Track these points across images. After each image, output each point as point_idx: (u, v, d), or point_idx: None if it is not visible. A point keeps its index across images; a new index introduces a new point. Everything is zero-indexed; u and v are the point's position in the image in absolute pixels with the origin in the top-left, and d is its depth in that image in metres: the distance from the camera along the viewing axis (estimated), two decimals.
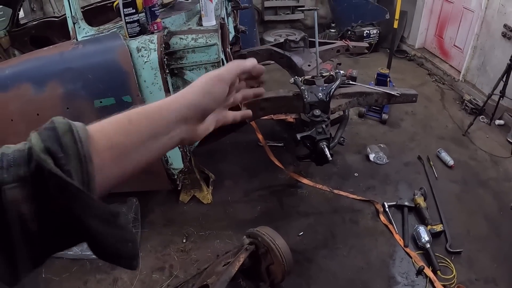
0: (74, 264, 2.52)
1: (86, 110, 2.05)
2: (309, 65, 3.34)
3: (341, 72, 2.64)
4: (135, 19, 1.88)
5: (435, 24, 5.20)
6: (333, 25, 5.94)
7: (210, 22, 1.96)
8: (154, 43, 1.87)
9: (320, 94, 2.39)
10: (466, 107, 4.21)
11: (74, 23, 1.99)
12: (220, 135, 2.71)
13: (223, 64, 2.06)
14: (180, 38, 1.92)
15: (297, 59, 3.44)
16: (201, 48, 1.91)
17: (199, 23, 2.02)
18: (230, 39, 3.27)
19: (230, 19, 3.18)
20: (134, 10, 1.85)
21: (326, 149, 2.33)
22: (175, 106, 0.56)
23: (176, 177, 2.35)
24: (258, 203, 2.99)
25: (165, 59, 1.94)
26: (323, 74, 2.62)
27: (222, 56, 2.11)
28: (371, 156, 3.40)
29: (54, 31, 3.45)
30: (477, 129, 3.86)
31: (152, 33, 1.92)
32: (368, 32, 5.57)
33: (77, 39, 2.02)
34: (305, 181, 3.12)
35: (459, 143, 3.70)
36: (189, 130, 0.58)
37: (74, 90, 2.02)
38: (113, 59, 1.92)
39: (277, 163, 3.14)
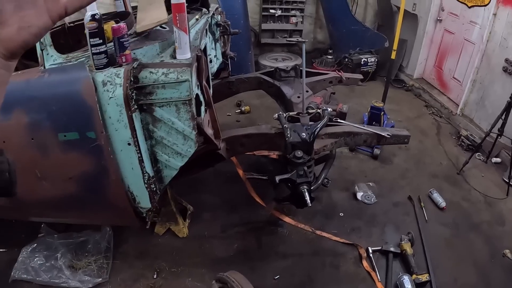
0: None
1: (51, 142, 1.91)
2: (298, 97, 3.22)
3: (329, 109, 2.52)
4: (102, 50, 1.75)
5: (435, 54, 5.11)
6: (330, 51, 5.87)
7: (184, 55, 1.84)
8: (121, 77, 1.75)
9: (303, 134, 2.26)
10: (463, 143, 4.08)
11: (42, 50, 1.88)
12: (196, 170, 2.57)
13: (196, 101, 1.94)
14: (150, 72, 1.80)
15: (286, 90, 3.33)
16: (172, 84, 1.78)
17: (173, 55, 1.90)
18: (217, 65, 3.17)
19: (218, 45, 3.08)
20: (101, 41, 1.73)
21: (306, 194, 2.19)
22: None
23: (145, 215, 2.19)
24: (236, 240, 2.83)
25: (133, 94, 1.81)
26: (309, 111, 2.49)
27: (198, 91, 1.99)
28: (359, 195, 3.25)
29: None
30: (472, 167, 3.72)
31: (121, 65, 1.80)
32: (366, 60, 5.49)
33: (44, 67, 1.90)
34: (286, 219, 2.96)
35: (453, 182, 3.55)
36: None
37: (39, 121, 1.89)
38: (77, 92, 1.79)
39: (257, 199, 2.98)
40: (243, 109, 4.71)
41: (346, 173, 3.61)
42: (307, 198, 2.16)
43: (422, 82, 5.35)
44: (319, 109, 2.53)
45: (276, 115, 2.43)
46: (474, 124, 4.17)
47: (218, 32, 3.02)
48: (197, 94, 2.01)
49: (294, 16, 5.95)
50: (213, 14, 2.93)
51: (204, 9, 2.68)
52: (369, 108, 4.01)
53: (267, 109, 4.58)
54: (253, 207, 3.07)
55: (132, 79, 1.80)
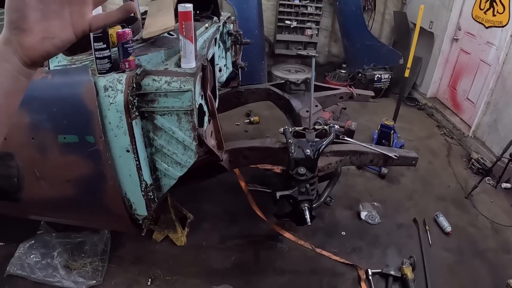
0: (37, 287, 2.41)
1: (50, 144, 1.91)
2: (307, 111, 3.19)
3: (336, 126, 2.47)
4: (105, 55, 1.75)
5: (450, 74, 5.02)
6: (344, 65, 5.82)
7: (189, 64, 1.82)
8: (122, 83, 1.74)
9: (308, 150, 2.22)
10: (473, 166, 3.97)
11: None
12: (197, 180, 2.54)
13: (199, 111, 1.92)
14: (153, 80, 1.79)
15: (295, 103, 3.31)
16: (174, 93, 1.76)
17: (178, 64, 1.89)
18: (227, 75, 3.17)
19: (229, 54, 3.07)
20: (105, 46, 1.73)
21: (307, 212, 2.14)
22: None
23: (141, 222, 2.17)
24: (234, 252, 2.79)
25: (135, 101, 1.80)
26: (316, 127, 2.45)
27: (201, 101, 1.97)
28: (363, 214, 3.17)
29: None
30: (481, 192, 3.61)
31: (124, 71, 1.79)
32: (379, 76, 5.43)
33: (49, 68, 1.91)
34: (287, 234, 2.91)
35: (460, 206, 3.44)
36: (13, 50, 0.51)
37: (40, 121, 1.89)
38: (78, 95, 1.79)
39: (258, 213, 2.94)
40: (252, 119, 4.69)
41: (351, 191, 3.54)
42: (307, 216, 2.11)
43: (435, 101, 5.25)
44: (327, 125, 2.49)
45: (281, 129, 2.39)
46: (486, 147, 4.06)
47: (230, 41, 3.02)
48: (200, 104, 1.99)
49: (310, 28, 5.94)
50: (225, 22, 2.93)
51: (215, 18, 2.68)
52: (379, 126, 3.93)
53: (276, 121, 4.55)
54: (254, 220, 3.02)
55: (134, 86, 1.79)
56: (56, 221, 2.62)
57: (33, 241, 2.59)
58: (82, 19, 0.55)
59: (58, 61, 1.91)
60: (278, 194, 2.15)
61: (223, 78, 3.12)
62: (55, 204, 2.10)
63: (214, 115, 2.14)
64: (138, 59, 1.87)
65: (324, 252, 2.78)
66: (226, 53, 3.04)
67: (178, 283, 2.53)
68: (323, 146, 2.23)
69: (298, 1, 5.74)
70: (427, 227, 3.10)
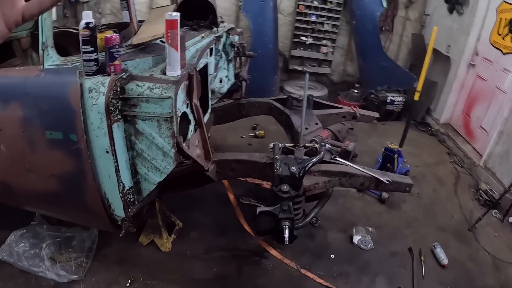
0: (22, 275, 2.47)
1: (38, 138, 1.97)
2: (306, 128, 3.16)
3: (328, 145, 2.42)
4: (92, 57, 1.79)
5: (464, 100, 4.86)
6: (357, 85, 5.74)
7: (173, 72, 1.84)
8: (105, 86, 1.77)
9: (293, 168, 2.17)
10: (480, 198, 3.78)
11: (43, 50, 1.96)
12: (184, 188, 2.54)
13: (185, 119, 1.92)
14: (137, 85, 1.81)
15: (295, 119, 3.28)
16: (155, 99, 1.78)
17: (164, 71, 1.91)
18: (228, 86, 3.18)
19: (231, 65, 3.09)
20: (92, 49, 1.77)
21: (286, 231, 2.09)
22: None
23: (120, 223, 2.18)
24: (217, 264, 2.74)
25: (119, 104, 1.83)
26: (306, 145, 2.40)
27: (186, 109, 1.98)
28: (356, 239, 3.05)
29: (71, 41, 3.54)
30: (486, 225, 3.42)
31: (109, 75, 1.83)
32: (392, 98, 5.32)
33: (43, 66, 1.97)
34: (273, 252, 2.84)
35: (461, 238, 3.26)
36: None
37: (31, 116, 1.96)
38: (65, 95, 1.83)
39: (246, 227, 2.89)
40: (257, 133, 4.67)
41: (348, 213, 3.43)
42: (286, 235, 2.06)
43: (448, 128, 5.08)
44: (320, 143, 2.44)
45: (271, 144, 2.37)
46: (496, 178, 3.86)
47: (232, 53, 3.04)
48: (185, 113, 2.00)
49: (325, 45, 5.93)
50: (228, 34, 2.96)
51: (214, 28, 2.71)
52: (383, 149, 3.83)
53: (282, 136, 4.46)
54: (242, 234, 2.98)
55: (119, 90, 1.82)
56: (44, 213, 2.67)
57: (24, 231, 2.67)
58: (12, 10, 0.52)
59: (52, 61, 1.97)
60: (259, 210, 2.11)
61: (224, 89, 3.14)
62: (41, 197, 2.16)
63: (201, 124, 2.14)
64: (125, 64, 1.90)
65: (309, 274, 2.69)
66: (228, 64, 3.07)
67: None
68: (310, 164, 2.18)
69: (314, 18, 5.75)
70: (422, 258, 2.95)
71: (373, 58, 5.45)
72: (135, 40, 1.99)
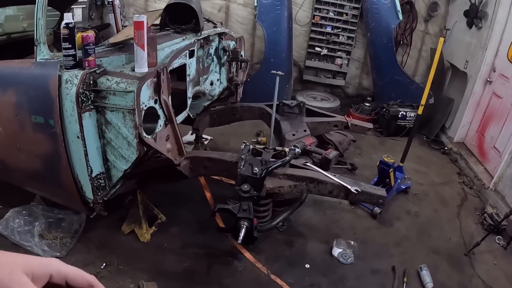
0: (13, 248, 2.65)
1: (26, 122, 2.19)
2: (293, 135, 3.17)
3: (297, 150, 2.42)
4: (70, 53, 1.97)
5: (480, 118, 4.62)
6: (369, 98, 5.64)
7: (140, 69, 1.97)
8: (78, 79, 1.93)
9: (256, 168, 2.20)
10: (484, 221, 3.55)
11: (36, 45, 2.17)
12: (158, 182, 2.64)
13: (153, 114, 2.02)
14: (107, 79, 1.96)
15: (284, 125, 3.30)
16: (121, 92, 1.92)
17: (134, 68, 2.05)
18: (220, 89, 3.27)
19: (223, 69, 3.19)
20: (70, 46, 1.95)
21: (243, 230, 2.11)
22: None
23: (92, 205, 2.32)
24: (189, 259, 2.79)
25: (91, 95, 1.99)
26: (276, 148, 2.42)
27: (154, 104, 2.09)
28: (336, 251, 2.97)
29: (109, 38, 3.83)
30: (486, 251, 3.20)
31: (84, 69, 1.99)
32: (404, 113, 5.16)
33: (36, 60, 2.18)
34: (247, 254, 2.84)
35: (455, 263, 3.07)
36: None
37: (22, 102, 2.18)
38: (46, 85, 2.02)
39: (221, 225, 2.93)
40: (259, 139, 4.71)
41: (334, 225, 3.36)
42: (241, 235, 2.08)
43: (461, 147, 4.83)
44: (290, 148, 2.44)
45: (242, 145, 2.41)
46: (505, 202, 3.62)
47: (225, 57, 3.14)
48: (153, 108, 2.11)
49: (340, 57, 5.90)
50: (221, 38, 3.06)
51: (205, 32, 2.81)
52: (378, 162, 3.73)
53: None
54: (220, 234, 3.02)
55: (91, 82, 1.98)
56: (33, 191, 2.88)
57: (21, 208, 2.93)
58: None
59: (43, 55, 2.18)
60: (218, 206, 2.15)
61: (215, 92, 3.24)
62: (30, 175, 2.38)
63: (172, 120, 2.24)
64: (100, 60, 2.05)
65: (278, 280, 2.66)
66: (220, 68, 3.16)
67: (126, 274, 2.62)
68: (273, 166, 2.20)
69: (330, 29, 5.75)
70: (405, 279, 2.80)
71: (387, 71, 5.34)
72: (112, 39, 2.15)
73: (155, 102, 2.09)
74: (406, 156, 3.97)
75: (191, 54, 2.49)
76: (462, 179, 4.36)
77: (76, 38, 1.97)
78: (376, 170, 4.12)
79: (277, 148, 2.40)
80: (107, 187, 2.29)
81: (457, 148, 4.80)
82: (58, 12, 3.95)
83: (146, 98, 2.00)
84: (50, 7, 3.88)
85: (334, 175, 2.41)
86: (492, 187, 3.89)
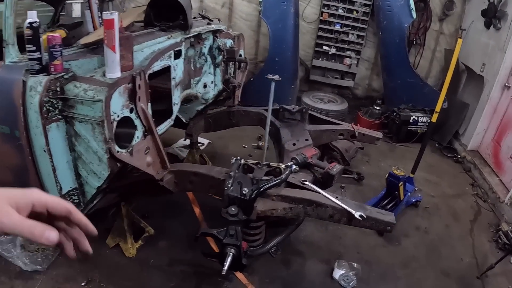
0: None
1: None
2: (294, 144, 2.91)
3: (294, 167, 2.15)
4: (35, 56, 1.74)
5: (496, 126, 4.29)
6: (378, 101, 5.32)
7: (111, 74, 1.73)
8: (42, 85, 1.70)
9: (246, 189, 1.95)
10: (499, 240, 3.26)
11: (4, 47, 1.95)
12: (141, 196, 2.41)
13: (115, 124, 1.79)
14: (75, 86, 1.73)
15: (284, 133, 3.04)
16: (88, 101, 1.69)
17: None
18: (214, 92, 3.02)
19: (218, 70, 2.93)
20: (34, 48, 1.72)
21: (229, 259, 1.88)
22: None
23: None
24: (176, 278, 2.58)
25: (59, 104, 1.77)
26: (270, 164, 2.16)
27: (128, 114, 1.86)
28: (337, 273, 2.70)
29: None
30: (500, 273, 2.92)
31: (50, 74, 1.76)
32: (415, 118, 4.84)
33: (4, 63, 1.96)
34: (239, 275, 2.60)
35: (466, 287, 2.80)
36: None
37: None
38: (10, 92, 1.81)
39: (212, 245, 2.70)
40: (260, 144, 4.46)
41: (337, 243, 3.09)
42: (226, 264, 1.85)
43: (475, 155, 4.50)
44: (286, 165, 2.17)
45: (233, 159, 2.16)
46: None
47: (220, 57, 2.88)
48: (129, 118, 1.88)
49: (349, 57, 5.58)
50: (216, 36, 2.80)
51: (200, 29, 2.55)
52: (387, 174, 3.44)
53: None
54: (209, 251, 2.78)
55: (58, 89, 1.75)
56: None
57: None
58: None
59: (12, 58, 1.96)
60: (201, 231, 1.92)
61: (210, 95, 2.99)
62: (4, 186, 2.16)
63: (152, 131, 2.00)
64: (69, 64, 1.82)
65: None
66: (215, 69, 2.91)
67: None
68: (265, 187, 1.94)
69: (339, 27, 5.44)
70: None
71: (398, 72, 5.03)
72: (82, 40, 1.92)
73: (131, 111, 1.86)
74: (417, 167, 3.67)
75: (178, 55, 2.24)
76: (476, 191, 4.05)
77: (42, 39, 1.74)
78: (385, 179, 3.84)
79: (271, 164, 2.15)
80: (81, 204, 2.07)
81: (470, 157, 4.48)
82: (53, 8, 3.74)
83: (119, 107, 1.76)
84: (43, 2, 3.70)
85: (337, 197, 2.13)
86: (507, 201, 3.58)
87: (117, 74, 1.74)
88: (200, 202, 3.26)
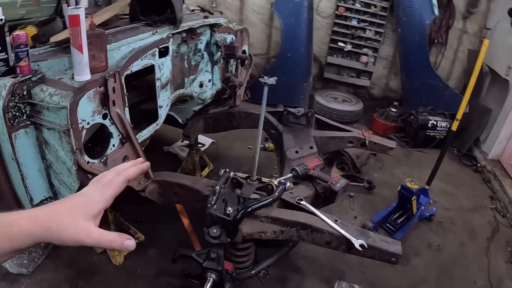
0: None
1: None
2: (297, 152, 2.69)
3: (288, 184, 1.92)
4: (1, 57, 1.58)
5: None
6: (395, 103, 4.99)
7: (80, 76, 1.56)
8: (6, 89, 1.55)
9: (230, 208, 1.75)
10: None
11: None
12: (131, 204, 2.26)
13: (103, 132, 1.62)
14: (41, 89, 1.57)
15: (287, 139, 2.81)
16: (54, 108, 1.52)
17: None
18: (212, 91, 2.82)
19: (216, 68, 2.72)
20: (0, 48, 1.56)
21: (208, 285, 1.70)
22: (19, 230, 0.60)
23: None
24: None
25: (27, 109, 1.61)
26: (262, 179, 1.95)
27: (102, 120, 1.69)
28: None
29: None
30: None
31: (17, 76, 1.60)
32: (434, 123, 4.50)
33: None
34: None
35: None
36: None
37: None
38: None
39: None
40: (267, 145, 4.24)
41: (339, 260, 2.84)
42: None
43: (496, 165, 4.15)
44: (280, 181, 1.94)
45: (221, 171, 1.97)
46: None
47: (219, 54, 2.67)
48: (102, 125, 1.71)
49: (366, 54, 5.25)
50: (214, 31, 2.59)
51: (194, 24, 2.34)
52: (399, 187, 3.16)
53: None
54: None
55: (25, 93, 1.60)
56: None
57: None
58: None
59: None
60: (180, 252, 1.76)
61: (207, 95, 2.80)
62: None
63: (130, 138, 1.83)
64: (38, 65, 1.66)
65: None
66: (213, 66, 2.71)
67: None
68: (253, 207, 1.74)
69: (355, 22, 5.11)
70: None
71: (418, 73, 4.69)
72: (53, 38, 1.75)
73: (104, 117, 1.68)
74: (433, 178, 3.37)
75: (164, 52, 2.04)
76: (495, 205, 3.73)
77: (8, 38, 1.57)
78: (396, 189, 3.56)
79: (263, 179, 1.93)
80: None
81: (491, 166, 4.12)
82: None
83: (89, 113, 1.60)
84: None
85: (336, 220, 1.88)
86: None
87: (86, 76, 1.57)
88: (191, 210, 3.08)
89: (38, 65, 1.65)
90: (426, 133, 4.55)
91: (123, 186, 0.74)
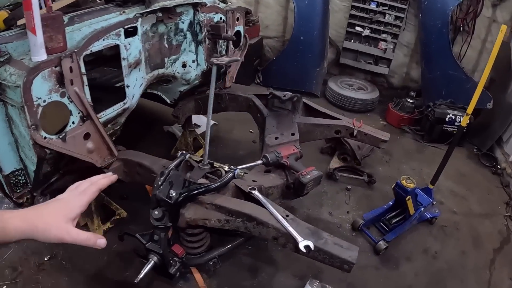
0: None
1: None
2: (276, 138, 2.61)
3: (238, 170, 1.86)
4: None
5: None
6: (412, 93, 4.69)
7: (37, 57, 1.59)
8: None
9: (173, 191, 1.74)
10: None
11: None
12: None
13: (41, 109, 1.67)
14: (5, 70, 1.63)
15: (270, 124, 2.73)
16: (12, 86, 1.59)
17: None
18: (197, 72, 2.77)
19: (201, 48, 2.67)
20: None
21: (147, 266, 1.73)
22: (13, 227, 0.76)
23: (21, 202, 2.09)
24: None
25: None
26: (214, 164, 1.91)
27: (59, 98, 1.72)
28: None
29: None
30: None
31: None
32: (452, 117, 4.19)
33: None
34: (197, 276, 2.40)
35: None
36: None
37: None
38: None
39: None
40: None
41: None
42: (142, 272, 1.71)
43: None
44: (230, 167, 1.88)
45: (178, 153, 1.95)
46: None
47: (203, 34, 2.62)
48: (62, 103, 1.75)
49: (385, 40, 4.95)
50: (197, 10, 2.53)
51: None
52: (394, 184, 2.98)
53: None
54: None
55: None
56: None
57: None
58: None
59: None
60: (125, 232, 1.79)
61: (191, 75, 2.76)
62: None
63: (89, 116, 1.85)
64: (5, 47, 1.71)
65: None
66: (197, 46, 2.66)
67: (65, 271, 2.45)
68: (195, 192, 1.71)
69: (374, 6, 4.80)
70: None
71: (438, 62, 4.35)
72: (20, 21, 1.80)
73: (62, 96, 1.71)
74: (438, 177, 3.14)
75: (132, 32, 2.02)
76: (510, 212, 3.43)
77: None
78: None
79: (215, 164, 1.89)
80: (29, 184, 2.03)
81: (511, 170, 3.79)
82: None
83: (45, 92, 1.63)
84: None
85: (287, 215, 1.78)
86: None
87: (42, 57, 1.60)
88: None
89: (5, 46, 1.70)
90: (443, 128, 4.24)
91: (96, 194, 0.92)
